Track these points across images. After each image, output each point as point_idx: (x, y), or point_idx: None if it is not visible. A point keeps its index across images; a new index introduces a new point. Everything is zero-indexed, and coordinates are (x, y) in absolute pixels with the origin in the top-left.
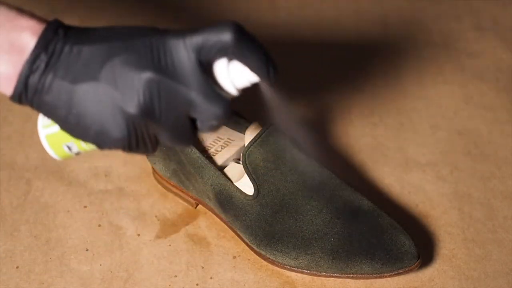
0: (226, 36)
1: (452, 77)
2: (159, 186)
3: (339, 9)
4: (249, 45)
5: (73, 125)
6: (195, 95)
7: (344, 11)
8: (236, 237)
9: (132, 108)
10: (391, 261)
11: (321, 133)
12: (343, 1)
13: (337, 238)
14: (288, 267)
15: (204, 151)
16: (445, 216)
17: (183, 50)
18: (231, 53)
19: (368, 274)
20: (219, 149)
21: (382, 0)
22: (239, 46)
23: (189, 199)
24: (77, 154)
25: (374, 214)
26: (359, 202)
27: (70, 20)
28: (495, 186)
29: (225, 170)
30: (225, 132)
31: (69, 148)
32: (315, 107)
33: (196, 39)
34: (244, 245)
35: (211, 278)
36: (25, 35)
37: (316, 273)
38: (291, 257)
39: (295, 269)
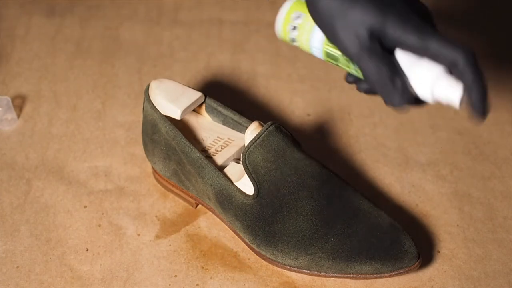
0: (459, 54)
1: None
2: (159, 186)
3: None
4: (476, 74)
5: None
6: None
7: None
8: (236, 237)
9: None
10: (391, 261)
11: (321, 133)
12: None
13: (337, 238)
14: (288, 267)
15: (204, 151)
16: (445, 216)
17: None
18: (458, 71)
19: (368, 274)
20: (219, 149)
21: None
22: (469, 70)
23: (189, 199)
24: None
25: (374, 214)
26: (359, 202)
27: (70, 20)
28: (495, 186)
29: (225, 170)
30: (225, 132)
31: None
32: (315, 108)
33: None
34: (244, 245)
35: (211, 278)
36: None
37: (316, 273)
38: (291, 257)
39: (295, 269)
